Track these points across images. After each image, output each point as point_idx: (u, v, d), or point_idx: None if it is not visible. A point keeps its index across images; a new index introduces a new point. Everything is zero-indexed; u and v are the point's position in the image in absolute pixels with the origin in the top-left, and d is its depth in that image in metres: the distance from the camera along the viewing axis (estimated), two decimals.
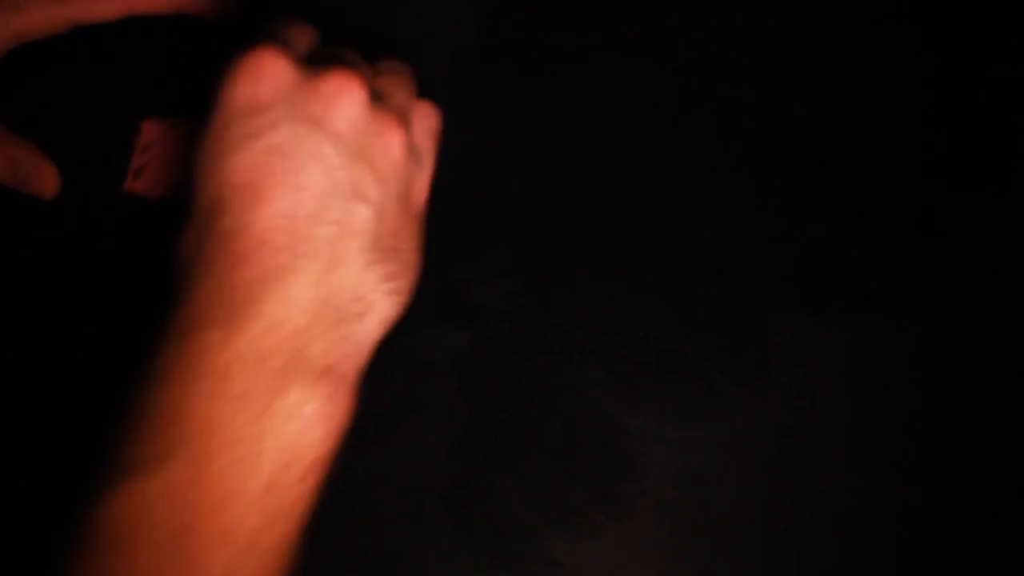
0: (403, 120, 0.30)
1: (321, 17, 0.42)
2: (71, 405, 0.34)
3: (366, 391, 0.34)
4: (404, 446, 0.34)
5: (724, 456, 0.32)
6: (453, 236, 0.37)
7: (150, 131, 0.40)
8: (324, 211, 0.28)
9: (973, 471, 0.32)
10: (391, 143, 0.30)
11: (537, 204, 0.37)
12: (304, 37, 0.32)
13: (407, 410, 0.34)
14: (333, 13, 0.42)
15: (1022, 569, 0.31)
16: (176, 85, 0.41)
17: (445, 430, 0.34)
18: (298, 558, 0.26)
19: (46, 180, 0.39)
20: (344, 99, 0.28)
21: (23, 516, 0.32)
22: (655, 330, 0.34)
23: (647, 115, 0.38)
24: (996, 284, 0.34)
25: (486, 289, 0.35)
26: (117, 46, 0.42)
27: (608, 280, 0.35)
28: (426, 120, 0.34)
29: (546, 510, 0.32)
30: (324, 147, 0.28)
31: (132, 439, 0.25)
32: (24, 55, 0.42)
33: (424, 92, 0.39)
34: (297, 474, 0.26)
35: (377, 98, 0.31)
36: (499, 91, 0.39)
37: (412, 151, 0.31)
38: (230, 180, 0.27)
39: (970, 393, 0.33)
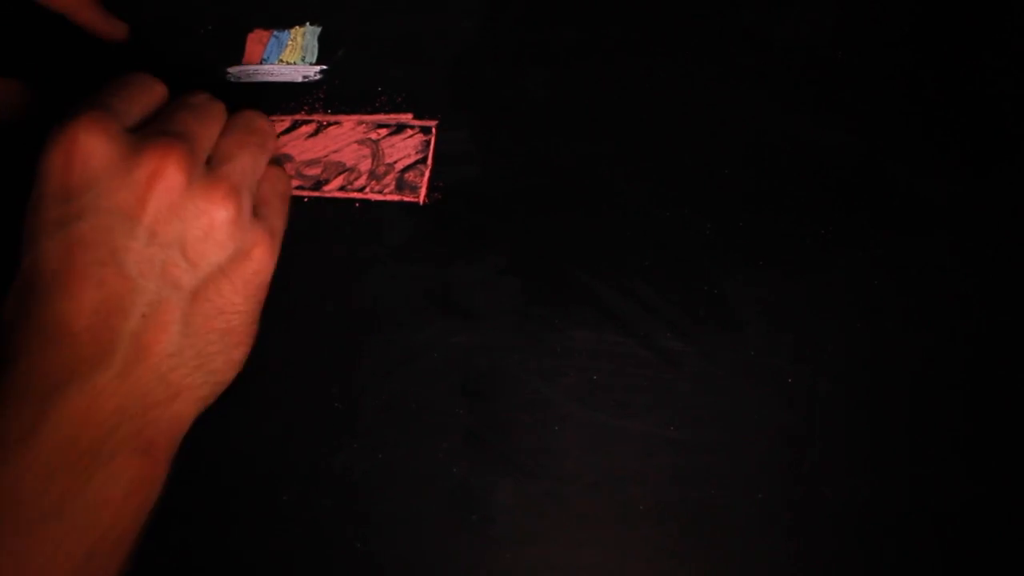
0: (234, 191, 0.29)
1: (320, 19, 0.42)
2: None
3: (368, 394, 0.34)
4: (404, 447, 0.33)
5: (724, 456, 0.32)
6: (453, 236, 0.36)
7: None
8: (130, 304, 0.28)
9: (975, 471, 0.32)
10: (214, 221, 0.29)
11: (537, 204, 0.37)
12: (144, 95, 0.31)
13: (407, 411, 0.34)
14: (333, 15, 0.41)
15: (1022, 570, 0.31)
16: (171, 83, 0.41)
17: (445, 431, 0.33)
18: None
19: (21, 101, 0.39)
20: (159, 182, 0.28)
21: None
22: (655, 330, 0.34)
23: (647, 114, 0.38)
24: (997, 283, 0.34)
25: (486, 289, 0.35)
26: (115, 45, 0.41)
27: (608, 280, 0.35)
28: (276, 183, 0.33)
29: (546, 511, 0.32)
30: (131, 239, 0.28)
31: None
32: (24, 54, 0.41)
33: (425, 93, 0.39)
34: (107, 547, 0.26)
35: (216, 162, 0.30)
36: (499, 91, 0.39)
37: (245, 221, 0.30)
38: (40, 266, 0.27)
39: (972, 393, 0.33)
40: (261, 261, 0.31)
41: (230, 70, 0.41)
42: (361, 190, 0.37)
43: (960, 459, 0.32)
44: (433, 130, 0.38)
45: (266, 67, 0.41)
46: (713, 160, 0.37)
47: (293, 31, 0.41)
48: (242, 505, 0.33)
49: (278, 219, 0.32)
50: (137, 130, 0.29)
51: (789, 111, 0.37)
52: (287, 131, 0.39)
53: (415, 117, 0.39)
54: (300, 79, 0.40)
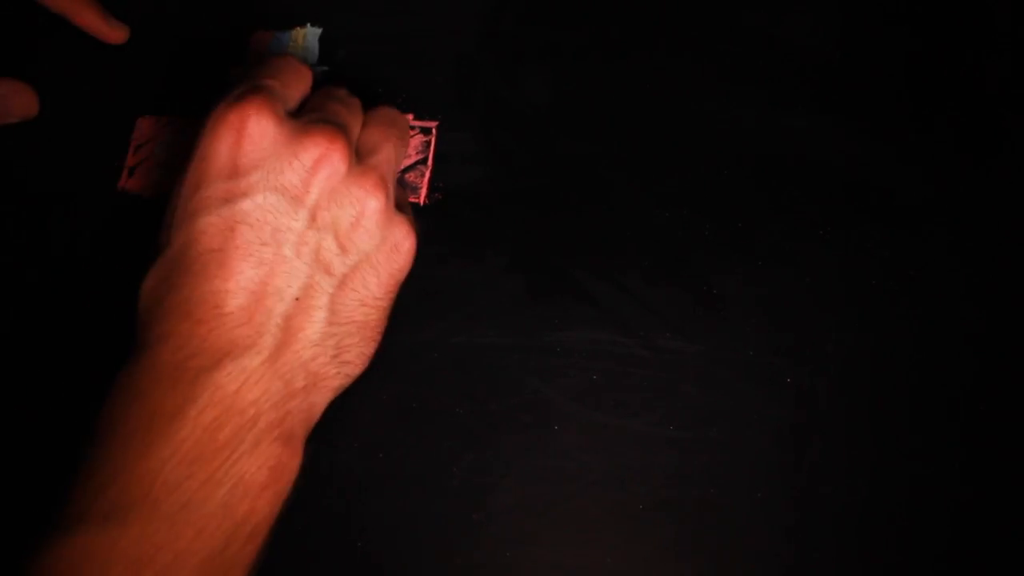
0: (382, 181, 0.30)
1: (321, 19, 0.42)
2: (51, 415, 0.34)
3: (368, 393, 0.34)
4: (404, 447, 0.33)
5: (724, 456, 0.32)
6: (453, 236, 0.36)
7: (144, 129, 0.40)
8: (286, 287, 0.28)
9: (974, 471, 0.32)
10: (367, 211, 0.29)
11: (537, 204, 0.37)
12: (299, 82, 0.31)
13: (407, 411, 0.34)
14: (333, 16, 0.42)
15: (1022, 569, 0.31)
16: (171, 83, 0.41)
17: (445, 431, 0.33)
18: None
19: (26, 102, 0.39)
20: (324, 167, 0.28)
21: None
22: (655, 330, 0.34)
23: (647, 114, 0.38)
24: (998, 282, 0.34)
25: (486, 289, 0.35)
26: (116, 47, 0.41)
27: (608, 280, 0.35)
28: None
29: (546, 511, 0.32)
30: (294, 220, 0.28)
31: (85, 489, 0.25)
32: (22, 53, 0.42)
33: (426, 93, 0.39)
34: (243, 537, 0.26)
35: (363, 153, 0.30)
36: (500, 91, 0.39)
37: (391, 211, 0.31)
38: (197, 241, 0.27)
39: (971, 392, 0.33)
40: (406, 254, 0.31)
41: (233, 70, 0.41)
42: None
43: (959, 459, 0.32)
44: (434, 131, 0.38)
45: None
46: (712, 160, 0.37)
47: (294, 32, 0.41)
48: None
49: (411, 215, 0.33)
50: (294, 115, 0.30)
51: (788, 111, 0.37)
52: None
53: (416, 118, 0.39)
54: None
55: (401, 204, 0.33)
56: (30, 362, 0.35)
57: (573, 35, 0.39)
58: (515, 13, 0.40)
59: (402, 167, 0.38)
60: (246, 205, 0.27)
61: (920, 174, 0.36)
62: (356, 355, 0.30)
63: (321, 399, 0.30)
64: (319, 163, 0.28)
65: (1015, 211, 0.35)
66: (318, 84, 0.40)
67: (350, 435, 0.33)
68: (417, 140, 0.38)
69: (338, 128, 0.29)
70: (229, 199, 0.27)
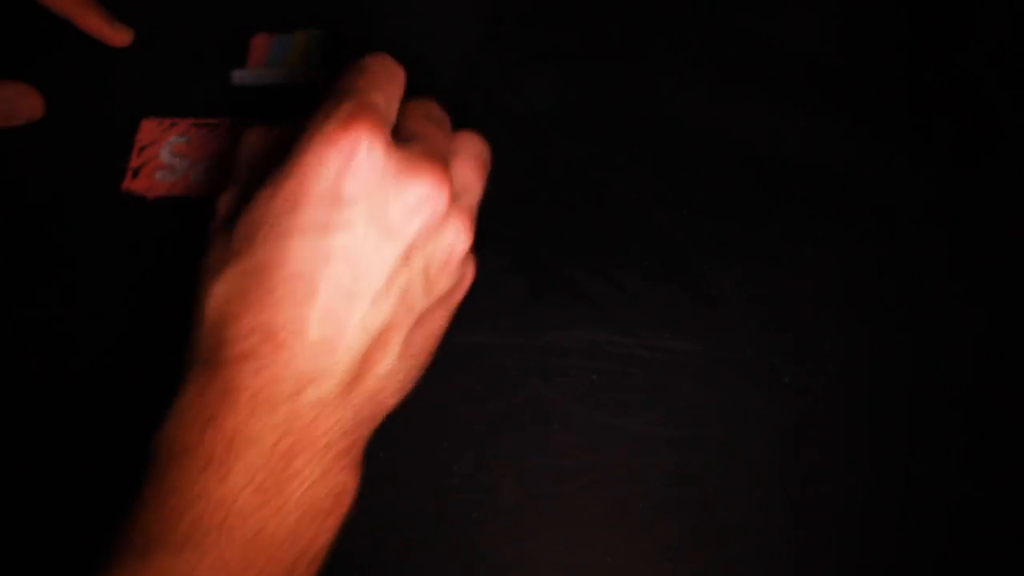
0: (473, 223, 0.29)
1: (322, 23, 0.42)
2: (70, 419, 0.34)
3: None
4: (404, 447, 0.33)
5: (722, 455, 0.32)
6: None
7: (149, 131, 0.40)
8: (371, 322, 0.27)
9: (973, 470, 0.32)
10: (455, 253, 0.29)
11: (537, 204, 0.37)
12: (399, 90, 0.30)
13: (407, 411, 0.34)
14: (335, 19, 0.42)
15: (1022, 569, 0.31)
16: (175, 85, 0.41)
17: (445, 431, 0.33)
18: None
19: (32, 104, 0.39)
20: (428, 209, 0.27)
21: None
22: (655, 330, 0.34)
23: (647, 115, 0.38)
24: (997, 282, 0.34)
25: (486, 289, 0.35)
26: (119, 49, 0.42)
27: (608, 280, 0.35)
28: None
29: (546, 510, 0.32)
30: (389, 259, 0.27)
31: (158, 514, 0.24)
32: (27, 56, 0.42)
33: (426, 94, 0.39)
34: (307, 560, 0.26)
35: (458, 190, 0.29)
36: (500, 92, 0.39)
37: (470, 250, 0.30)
38: (285, 264, 0.26)
39: (970, 392, 0.33)
40: (467, 287, 0.31)
41: (234, 73, 0.41)
42: None
43: (958, 458, 0.32)
44: None
45: (270, 70, 0.41)
46: (712, 160, 0.37)
47: (296, 35, 0.41)
48: None
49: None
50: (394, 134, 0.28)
51: (788, 112, 0.37)
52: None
53: None
54: (303, 82, 0.40)
55: None
56: (29, 362, 0.35)
57: (573, 36, 0.40)
58: (515, 15, 0.40)
59: None
60: (345, 238, 0.26)
61: (919, 174, 0.36)
62: (412, 380, 0.30)
63: (376, 425, 0.29)
64: (424, 203, 0.27)
65: (1013, 211, 0.35)
66: (320, 87, 0.40)
67: None
68: None
69: (444, 165, 0.28)
70: (327, 228, 0.26)
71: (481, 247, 0.36)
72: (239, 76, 0.41)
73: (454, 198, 0.28)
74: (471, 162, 0.31)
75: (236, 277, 0.27)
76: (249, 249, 0.26)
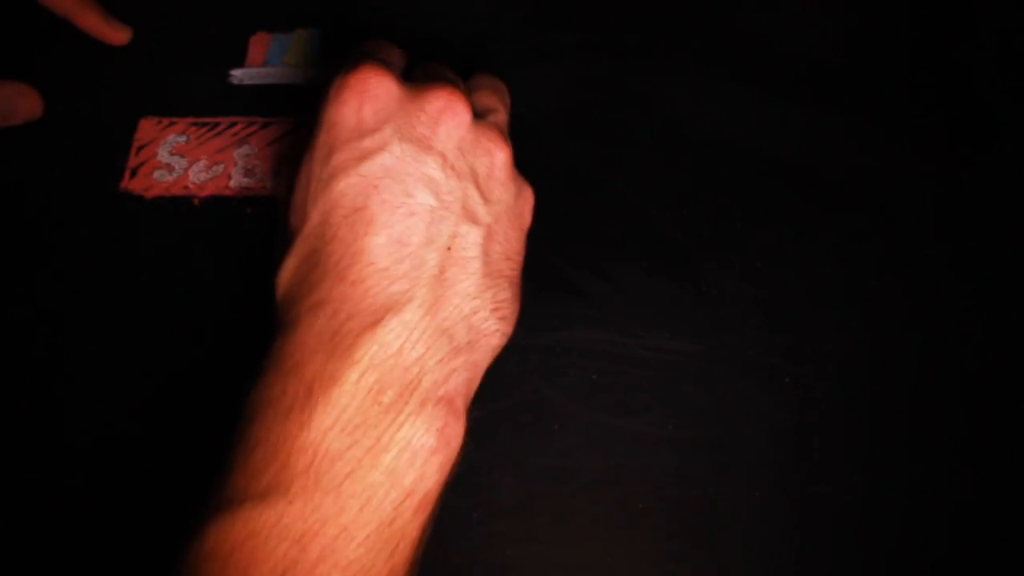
0: (505, 137, 0.30)
1: (321, 21, 0.42)
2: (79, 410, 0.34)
3: None
4: None
5: (723, 455, 0.32)
6: None
7: (147, 130, 0.40)
8: (436, 235, 0.27)
9: (973, 470, 0.32)
10: (497, 161, 0.29)
11: (536, 204, 0.37)
12: (397, 57, 0.31)
13: None
14: (333, 17, 0.42)
15: (1022, 569, 0.31)
16: (173, 84, 0.41)
17: None
18: None
19: (30, 104, 0.39)
20: (450, 117, 0.27)
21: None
22: (655, 330, 0.34)
23: (647, 115, 0.38)
24: (997, 282, 0.34)
25: None
26: (118, 48, 0.42)
27: (608, 280, 0.35)
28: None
29: (546, 510, 0.32)
30: (433, 168, 0.27)
31: (244, 468, 0.24)
32: (25, 55, 0.42)
33: None
34: (411, 507, 0.25)
35: (479, 114, 0.30)
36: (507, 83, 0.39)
37: (515, 169, 0.30)
38: (339, 205, 0.26)
39: (970, 391, 0.33)
40: (531, 206, 0.31)
41: (233, 72, 0.41)
42: None
43: (959, 458, 0.32)
44: None
45: (268, 69, 0.41)
46: (712, 160, 0.37)
47: (295, 34, 0.41)
48: None
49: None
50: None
51: (788, 112, 0.37)
52: (289, 132, 0.39)
53: None
54: (302, 81, 0.40)
55: None
56: (28, 363, 0.35)
57: (573, 36, 0.40)
58: (515, 14, 0.40)
59: None
60: (384, 159, 0.27)
61: (920, 174, 0.36)
62: (511, 311, 0.29)
63: (483, 359, 0.28)
64: (443, 112, 0.27)
65: (1014, 211, 0.35)
66: (319, 86, 0.40)
67: None
68: None
69: (455, 82, 0.29)
70: (365, 156, 0.27)
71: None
72: (238, 75, 0.41)
73: (477, 116, 0.29)
74: (487, 89, 0.32)
75: (300, 243, 0.27)
76: (304, 216, 0.27)
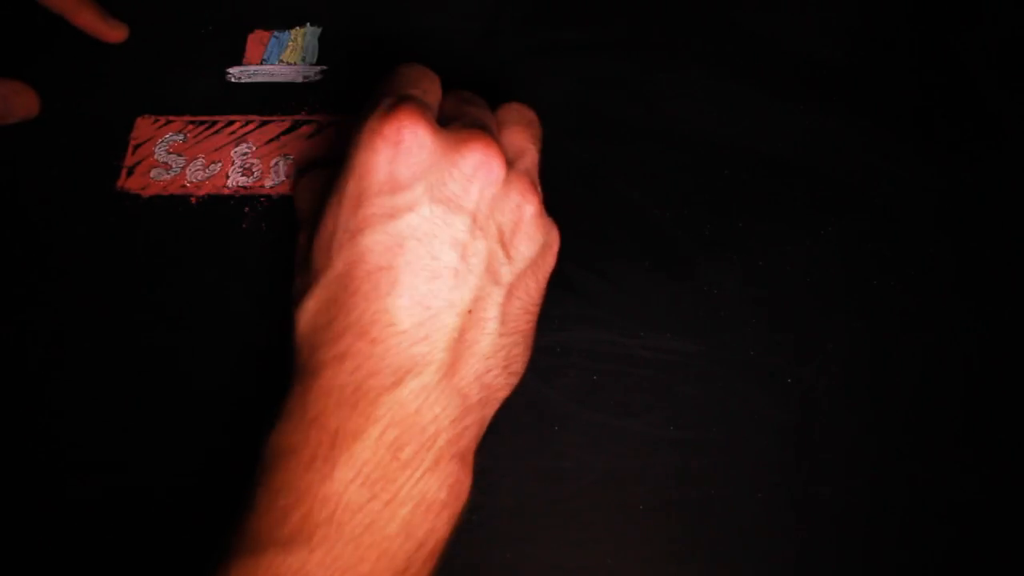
0: (535, 184, 0.29)
1: (320, 19, 0.42)
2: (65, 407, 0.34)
3: None
4: None
5: (724, 456, 0.32)
6: None
7: (144, 128, 0.40)
8: (459, 299, 0.27)
9: (974, 470, 0.32)
10: (526, 214, 0.29)
11: None
12: (434, 90, 0.30)
13: None
14: (333, 15, 0.41)
15: (1022, 570, 0.31)
16: (170, 82, 0.41)
17: None
18: None
19: (27, 102, 0.39)
20: (485, 175, 0.27)
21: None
22: (655, 330, 0.34)
23: (647, 114, 0.38)
24: (998, 282, 0.34)
25: None
26: (114, 44, 0.41)
27: (608, 280, 0.35)
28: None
29: (546, 511, 0.32)
30: (460, 231, 0.27)
31: (268, 513, 0.24)
32: (22, 53, 0.41)
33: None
34: (423, 557, 0.26)
35: (510, 158, 0.29)
36: (499, 92, 0.39)
37: (544, 214, 0.30)
38: (364, 260, 0.27)
39: (972, 392, 0.33)
40: (555, 254, 0.31)
41: (230, 70, 0.41)
42: None
43: (960, 458, 0.32)
44: None
45: (266, 67, 0.41)
46: (713, 160, 0.37)
47: (293, 31, 0.41)
48: None
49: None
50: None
51: (789, 111, 0.37)
52: (287, 131, 0.39)
53: None
54: (300, 79, 0.40)
55: None
56: (25, 361, 0.35)
57: (573, 35, 0.39)
58: (515, 13, 0.40)
59: None
60: (413, 220, 0.26)
61: (922, 174, 0.36)
62: (521, 364, 0.30)
63: (491, 412, 0.29)
64: (478, 170, 0.27)
65: (1015, 210, 0.35)
66: (318, 84, 0.40)
67: None
68: None
69: (491, 133, 0.28)
70: (394, 215, 0.26)
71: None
72: (235, 73, 0.41)
73: (509, 164, 0.29)
74: (520, 128, 0.31)
75: (325, 287, 0.27)
76: (328, 261, 0.27)
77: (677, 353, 0.34)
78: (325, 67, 0.40)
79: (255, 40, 0.41)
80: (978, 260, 0.34)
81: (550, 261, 0.31)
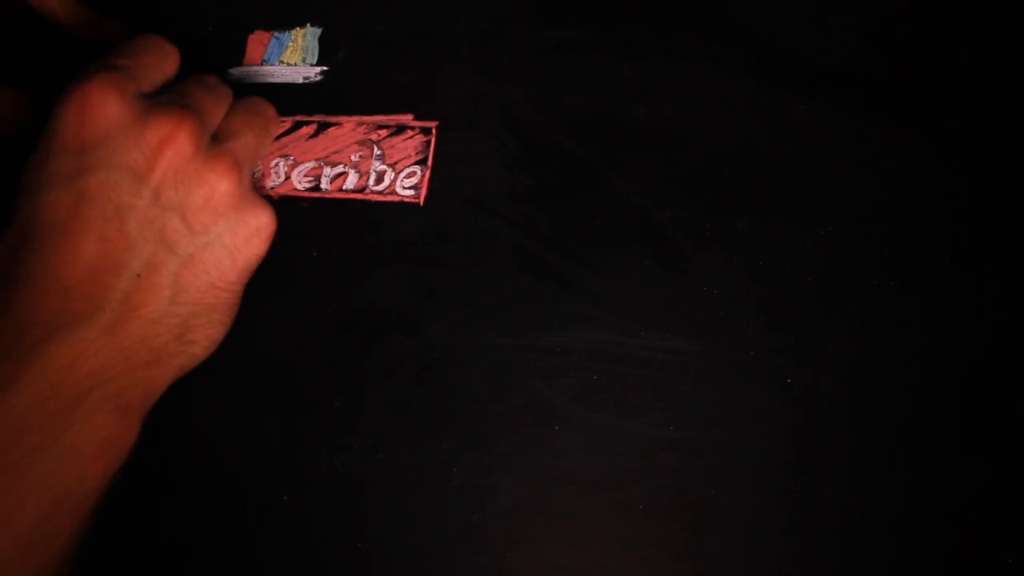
0: (236, 165, 0.30)
1: (320, 19, 0.42)
2: None
3: (368, 394, 0.34)
4: (404, 447, 0.33)
5: (724, 456, 0.32)
6: (453, 236, 0.36)
7: None
8: (126, 262, 0.28)
9: (974, 471, 0.32)
10: (215, 193, 0.30)
11: (537, 204, 0.37)
12: (162, 62, 0.32)
13: (407, 411, 0.34)
14: (333, 15, 0.42)
15: (1022, 570, 0.31)
16: (170, 83, 0.41)
17: (445, 431, 0.33)
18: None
19: (22, 112, 0.39)
20: (169, 147, 0.29)
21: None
22: (655, 330, 0.34)
23: (647, 114, 0.38)
24: (999, 282, 0.34)
25: (486, 289, 0.35)
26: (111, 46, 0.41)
27: (608, 280, 0.35)
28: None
29: (546, 511, 0.32)
30: (136, 198, 0.28)
31: None
32: (22, 56, 0.41)
33: (426, 93, 0.39)
34: (71, 505, 0.27)
35: (221, 137, 0.31)
36: (500, 91, 0.39)
37: (246, 195, 0.31)
38: (40, 217, 0.28)
39: (972, 392, 0.33)
40: (266, 240, 0.32)
41: (231, 71, 0.41)
42: (361, 191, 0.37)
43: (960, 459, 0.32)
44: (433, 131, 0.38)
45: (267, 68, 0.41)
46: (713, 160, 0.37)
47: (294, 32, 0.41)
48: (242, 505, 0.33)
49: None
50: (151, 96, 0.30)
51: (789, 110, 0.37)
52: (288, 132, 0.39)
53: (416, 118, 0.39)
54: (301, 80, 0.40)
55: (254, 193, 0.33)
56: None
57: (573, 35, 0.39)
58: (515, 13, 0.40)
59: (402, 167, 0.38)
60: (90, 180, 0.28)
61: (920, 174, 0.36)
62: (203, 336, 0.31)
63: (163, 375, 0.30)
64: (164, 143, 0.28)
65: (1015, 210, 0.35)
66: (318, 85, 0.40)
67: (350, 435, 0.34)
68: (417, 140, 0.38)
69: (188, 110, 0.29)
70: (73, 174, 0.28)
71: (481, 246, 0.36)
72: (236, 74, 0.41)
73: (213, 140, 0.30)
74: (242, 115, 0.33)
75: (8, 237, 0.28)
76: (15, 211, 0.28)
77: (677, 353, 0.34)
78: (325, 67, 0.40)
79: (255, 41, 0.41)
80: (978, 260, 0.34)
81: (255, 244, 0.32)
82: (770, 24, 0.39)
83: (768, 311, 0.34)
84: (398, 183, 0.37)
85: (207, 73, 0.34)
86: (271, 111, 0.35)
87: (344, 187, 0.38)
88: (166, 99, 0.30)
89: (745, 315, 0.34)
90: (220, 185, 0.30)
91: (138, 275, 0.28)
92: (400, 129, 0.38)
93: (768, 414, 0.33)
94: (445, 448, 0.33)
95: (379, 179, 0.38)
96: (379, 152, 0.38)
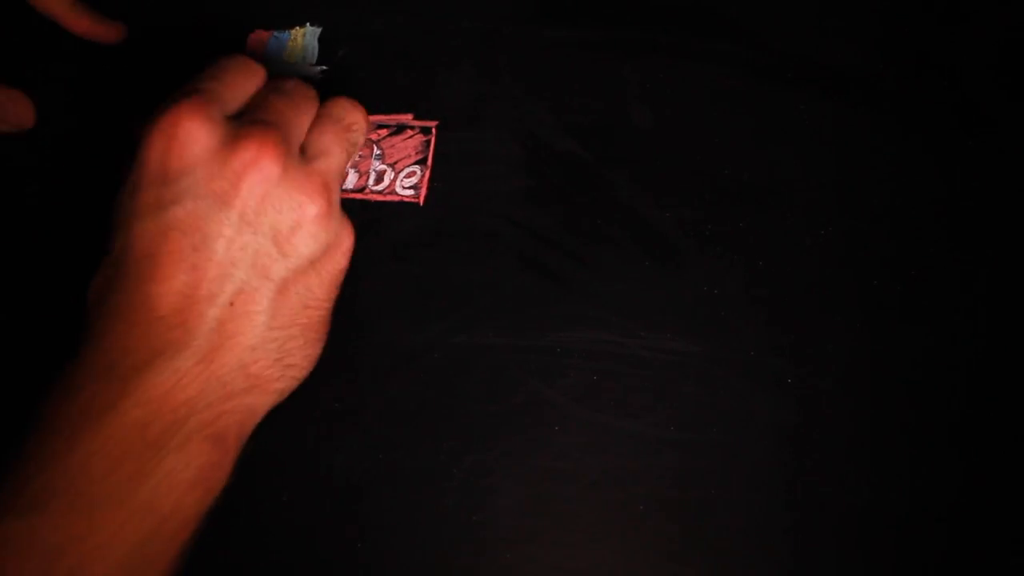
0: (326, 187, 0.30)
1: (320, 19, 0.42)
2: None
3: (368, 394, 0.34)
4: (404, 447, 0.33)
5: (724, 457, 0.32)
6: (453, 236, 0.36)
7: None
8: (219, 291, 0.28)
9: (974, 471, 0.32)
10: (305, 215, 0.29)
11: (537, 204, 0.37)
12: (247, 80, 0.31)
13: (407, 411, 0.34)
14: (333, 15, 0.41)
15: (1022, 570, 0.31)
16: (169, 85, 0.41)
17: (445, 431, 0.33)
18: None
19: (22, 111, 0.39)
20: (254, 172, 0.28)
21: None
22: (656, 330, 0.34)
23: (647, 114, 0.38)
24: (999, 282, 0.34)
25: (486, 289, 0.35)
26: (112, 48, 0.41)
27: (608, 280, 0.35)
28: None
29: (546, 511, 0.32)
30: (226, 226, 0.28)
31: (11, 482, 0.25)
32: (22, 55, 0.41)
33: (425, 93, 0.39)
34: (168, 532, 0.27)
35: (311, 155, 0.30)
36: (499, 91, 0.39)
37: (335, 215, 0.31)
38: (132, 247, 0.28)
39: (972, 393, 0.33)
40: (346, 254, 0.32)
41: None
42: (361, 190, 0.37)
43: (960, 459, 0.32)
44: (433, 130, 0.38)
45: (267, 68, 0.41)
46: (713, 160, 0.37)
47: (293, 32, 0.41)
48: (242, 505, 0.33)
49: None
50: (237, 115, 0.30)
51: (789, 111, 0.37)
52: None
53: (415, 117, 0.39)
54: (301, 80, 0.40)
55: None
56: (29, 364, 0.35)
57: (574, 34, 0.39)
58: (515, 13, 0.40)
59: (401, 167, 0.38)
60: (177, 211, 0.28)
61: (920, 174, 0.36)
62: (301, 357, 0.31)
63: (262, 401, 0.30)
64: (249, 168, 0.28)
65: (1015, 210, 0.35)
66: (316, 85, 0.40)
67: (350, 436, 0.34)
68: (417, 140, 0.38)
69: (272, 129, 0.29)
70: (161, 205, 0.28)
71: (481, 246, 0.36)
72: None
73: (305, 160, 0.30)
74: (329, 127, 0.32)
75: (105, 267, 0.29)
76: (109, 244, 0.29)
77: (677, 353, 0.34)
78: (325, 67, 0.40)
79: (255, 40, 0.41)
80: (978, 260, 0.34)
81: (339, 260, 0.32)
82: (771, 24, 0.39)
83: (768, 311, 0.34)
84: (398, 183, 0.37)
85: (287, 78, 0.32)
86: (362, 120, 0.33)
87: (344, 187, 0.37)
88: (250, 119, 0.29)
89: (745, 315, 0.34)
90: (311, 209, 0.29)
91: (231, 303, 0.28)
92: (400, 129, 0.38)
93: (768, 414, 0.33)
94: (445, 448, 0.33)
95: (379, 179, 0.38)
96: (379, 152, 0.38)
